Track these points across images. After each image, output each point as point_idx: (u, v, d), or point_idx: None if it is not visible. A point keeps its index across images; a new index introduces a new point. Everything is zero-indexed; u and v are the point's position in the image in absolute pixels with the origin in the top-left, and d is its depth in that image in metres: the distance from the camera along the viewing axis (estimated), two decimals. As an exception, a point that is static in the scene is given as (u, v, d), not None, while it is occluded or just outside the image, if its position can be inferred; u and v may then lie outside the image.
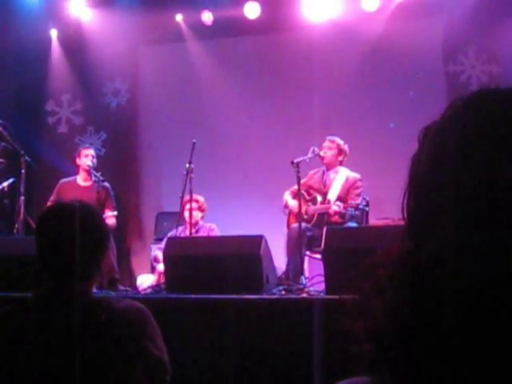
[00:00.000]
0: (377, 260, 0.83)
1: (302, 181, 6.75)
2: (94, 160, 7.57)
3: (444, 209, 0.78)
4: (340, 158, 6.99)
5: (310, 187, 6.99)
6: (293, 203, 6.83)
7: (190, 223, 6.94)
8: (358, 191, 6.81)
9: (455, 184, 0.78)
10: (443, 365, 0.73)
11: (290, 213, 6.98)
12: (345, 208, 6.53)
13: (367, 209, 6.64)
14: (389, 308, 0.78)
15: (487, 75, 8.18)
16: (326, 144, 6.95)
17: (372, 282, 0.81)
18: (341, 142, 6.97)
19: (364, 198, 6.70)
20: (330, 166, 6.97)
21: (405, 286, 0.77)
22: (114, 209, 7.38)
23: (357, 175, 6.93)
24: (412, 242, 0.81)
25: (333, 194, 6.81)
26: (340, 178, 6.92)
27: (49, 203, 7.04)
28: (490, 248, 0.74)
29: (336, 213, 6.56)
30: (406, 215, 0.84)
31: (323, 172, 7.05)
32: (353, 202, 6.56)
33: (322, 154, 6.88)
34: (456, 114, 0.82)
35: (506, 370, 0.72)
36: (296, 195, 6.87)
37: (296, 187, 6.86)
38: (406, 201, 0.84)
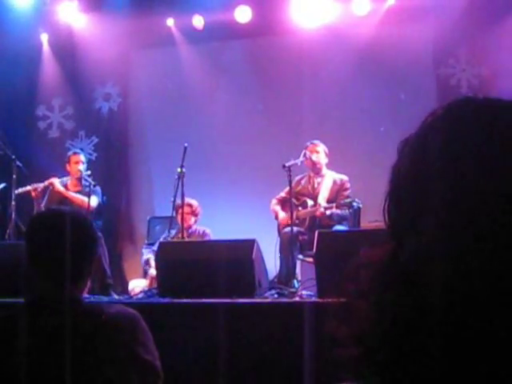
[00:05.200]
0: (359, 262, 0.84)
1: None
2: (85, 165, 7.56)
3: (425, 213, 0.79)
4: (326, 161, 7.03)
5: (299, 193, 7.00)
6: (283, 215, 6.85)
7: (183, 227, 6.93)
8: (346, 193, 6.85)
9: (436, 190, 0.79)
10: (429, 367, 0.74)
11: (280, 223, 6.99)
12: (337, 208, 6.55)
13: (360, 205, 6.63)
14: (372, 311, 0.78)
15: (477, 78, 8.22)
16: (313, 148, 6.96)
17: (355, 285, 0.82)
18: (324, 145, 7.02)
19: (354, 200, 6.71)
20: (318, 170, 6.99)
21: (387, 288, 0.78)
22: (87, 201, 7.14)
23: (344, 177, 6.97)
24: (394, 241, 0.82)
25: (322, 198, 6.83)
26: (327, 181, 6.94)
27: (42, 206, 7.02)
28: (471, 251, 0.75)
29: (322, 214, 6.58)
30: (387, 219, 0.85)
31: (309, 177, 7.06)
32: (345, 201, 6.58)
33: (314, 158, 6.89)
34: (437, 121, 0.84)
35: (491, 370, 0.72)
36: (283, 202, 6.89)
37: (282, 194, 6.89)
38: (387, 206, 0.85)
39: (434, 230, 0.77)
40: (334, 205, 6.57)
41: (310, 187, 7.02)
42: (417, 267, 0.76)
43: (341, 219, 6.63)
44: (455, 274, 0.74)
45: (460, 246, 0.75)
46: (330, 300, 0.86)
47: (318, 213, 6.65)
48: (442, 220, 0.77)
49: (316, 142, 7.00)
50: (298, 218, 6.82)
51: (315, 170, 6.99)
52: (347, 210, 6.59)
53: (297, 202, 6.93)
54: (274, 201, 7.07)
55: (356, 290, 0.82)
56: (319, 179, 7.00)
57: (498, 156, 0.78)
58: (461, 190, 0.77)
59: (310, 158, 6.83)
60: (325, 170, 7.03)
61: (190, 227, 7.39)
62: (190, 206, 7.31)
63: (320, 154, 6.97)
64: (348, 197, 6.76)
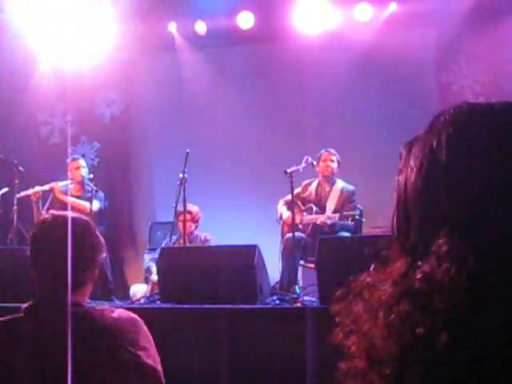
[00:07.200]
0: (369, 281, 0.84)
1: (297, 190, 6.75)
2: (86, 169, 7.57)
3: (436, 229, 0.78)
4: (337, 170, 7.04)
5: (305, 199, 7.00)
6: (287, 215, 6.82)
7: (184, 233, 6.92)
8: (352, 204, 6.82)
9: (447, 203, 0.78)
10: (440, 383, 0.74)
11: (285, 223, 6.98)
12: (340, 219, 6.54)
13: (363, 219, 6.65)
14: (383, 326, 0.78)
15: (480, 84, 8.22)
16: (328, 157, 6.95)
17: (365, 302, 0.82)
18: (337, 154, 7.02)
19: (358, 208, 6.71)
20: (328, 179, 6.98)
21: (399, 306, 0.77)
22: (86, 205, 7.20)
23: (351, 187, 6.95)
24: (405, 260, 0.81)
25: (328, 207, 6.83)
26: (335, 190, 6.93)
27: (44, 211, 7.01)
28: (487, 270, 0.74)
29: (323, 223, 6.58)
30: (396, 233, 0.85)
31: (318, 183, 7.05)
32: (349, 212, 6.56)
33: (323, 164, 6.89)
34: (442, 134, 0.83)
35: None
36: (290, 204, 6.86)
37: (289, 197, 6.85)
38: (396, 218, 0.84)
39: (448, 250, 0.77)
40: (338, 215, 6.57)
41: (317, 194, 7.01)
42: (429, 287, 0.76)
43: (343, 228, 6.61)
44: (470, 296, 0.74)
45: (477, 267, 0.75)
46: (336, 310, 0.85)
47: (318, 221, 6.65)
48: (455, 239, 0.77)
49: (331, 150, 6.99)
50: (301, 223, 6.82)
51: (327, 177, 6.98)
52: (350, 222, 6.57)
53: (303, 207, 6.94)
54: (282, 202, 7.05)
55: (365, 306, 0.82)
56: (328, 187, 6.99)
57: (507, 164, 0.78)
58: (473, 205, 0.77)
59: (312, 164, 6.82)
60: (335, 178, 7.03)
61: (190, 233, 7.38)
62: (190, 212, 7.27)
63: (334, 162, 6.98)
64: (353, 208, 6.73)
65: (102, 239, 2.31)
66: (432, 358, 0.74)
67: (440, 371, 0.74)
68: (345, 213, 6.58)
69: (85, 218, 2.32)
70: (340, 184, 6.98)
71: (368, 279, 0.84)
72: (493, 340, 0.72)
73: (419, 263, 0.79)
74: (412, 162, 0.84)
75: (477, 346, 0.73)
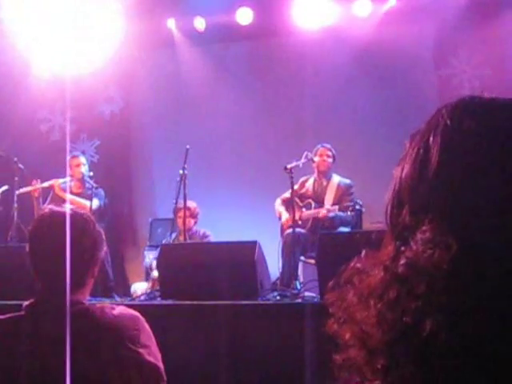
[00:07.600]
0: (359, 266, 0.84)
1: (294, 188, 6.77)
2: (86, 167, 7.56)
3: (424, 216, 0.79)
4: (333, 164, 7.05)
5: (303, 195, 7.01)
6: (286, 216, 6.82)
7: (184, 230, 6.93)
8: (350, 197, 6.84)
9: (434, 195, 0.79)
10: (430, 371, 0.74)
11: (283, 225, 6.99)
12: (340, 210, 6.56)
13: (363, 209, 6.65)
14: (373, 314, 0.78)
15: (479, 79, 8.21)
16: (324, 152, 6.97)
17: (356, 289, 0.82)
18: (332, 149, 7.04)
19: (357, 202, 6.72)
20: (325, 173, 7.00)
21: (388, 293, 0.78)
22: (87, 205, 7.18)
23: (348, 181, 6.97)
24: (394, 244, 0.82)
25: (327, 201, 6.84)
26: (332, 184, 6.95)
27: (44, 207, 6.99)
28: (469, 259, 0.75)
29: (325, 216, 6.59)
30: (389, 218, 0.86)
31: (315, 179, 7.06)
32: (348, 204, 6.57)
33: (319, 159, 6.90)
34: (439, 125, 0.84)
35: (490, 375, 0.73)
36: (287, 203, 6.87)
37: (287, 194, 6.86)
38: (390, 204, 0.86)
39: (432, 238, 0.77)
40: (337, 207, 6.58)
41: (314, 189, 7.02)
42: (413, 275, 0.76)
43: (343, 222, 6.62)
44: (452, 283, 0.74)
45: (460, 255, 0.75)
46: (329, 301, 0.86)
47: (320, 215, 6.66)
48: (438, 229, 0.78)
49: (327, 145, 7.02)
50: (301, 219, 6.82)
51: (323, 172, 6.99)
52: (350, 213, 6.58)
53: (301, 203, 6.94)
54: (279, 201, 7.07)
55: (356, 294, 0.82)
56: (325, 182, 7.01)
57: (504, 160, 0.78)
58: (461, 195, 0.78)
59: (312, 159, 6.83)
60: (331, 173, 7.05)
61: (190, 229, 7.38)
62: (189, 208, 7.28)
63: (330, 157, 7.00)
64: (351, 201, 6.74)
65: (102, 235, 2.29)
66: (419, 347, 0.74)
67: (427, 361, 0.74)
68: (344, 204, 6.59)
69: (85, 213, 2.30)
70: (336, 178, 7.00)
71: (358, 265, 0.85)
72: (476, 327, 0.72)
73: (402, 248, 0.80)
74: (410, 151, 0.85)
75: (461, 334, 0.73)
